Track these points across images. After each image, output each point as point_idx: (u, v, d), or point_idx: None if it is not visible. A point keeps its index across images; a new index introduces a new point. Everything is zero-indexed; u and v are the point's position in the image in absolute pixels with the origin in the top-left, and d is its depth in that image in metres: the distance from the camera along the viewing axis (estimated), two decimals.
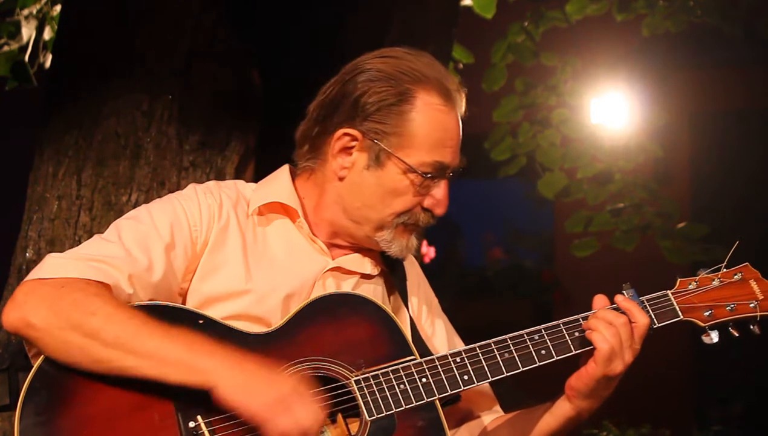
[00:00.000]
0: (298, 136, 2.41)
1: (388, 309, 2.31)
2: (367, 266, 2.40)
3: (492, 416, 2.48)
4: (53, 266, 2.14)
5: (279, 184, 2.40)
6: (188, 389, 2.05)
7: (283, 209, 2.38)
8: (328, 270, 2.34)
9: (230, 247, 2.29)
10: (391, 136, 2.27)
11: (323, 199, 2.37)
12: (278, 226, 2.37)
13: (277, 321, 2.24)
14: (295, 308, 2.26)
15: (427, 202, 2.31)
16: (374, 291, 2.41)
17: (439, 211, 2.32)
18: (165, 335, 2.05)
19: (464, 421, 2.47)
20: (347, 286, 2.36)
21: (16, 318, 2.08)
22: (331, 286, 2.34)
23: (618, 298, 2.30)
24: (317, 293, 2.31)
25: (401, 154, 2.27)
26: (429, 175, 2.28)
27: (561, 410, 2.30)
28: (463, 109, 2.35)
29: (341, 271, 2.37)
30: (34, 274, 2.14)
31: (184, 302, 2.27)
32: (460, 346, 2.48)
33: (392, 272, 2.46)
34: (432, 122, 2.28)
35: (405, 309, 2.43)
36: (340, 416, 2.16)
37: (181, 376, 2.02)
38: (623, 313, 2.27)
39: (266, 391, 2.02)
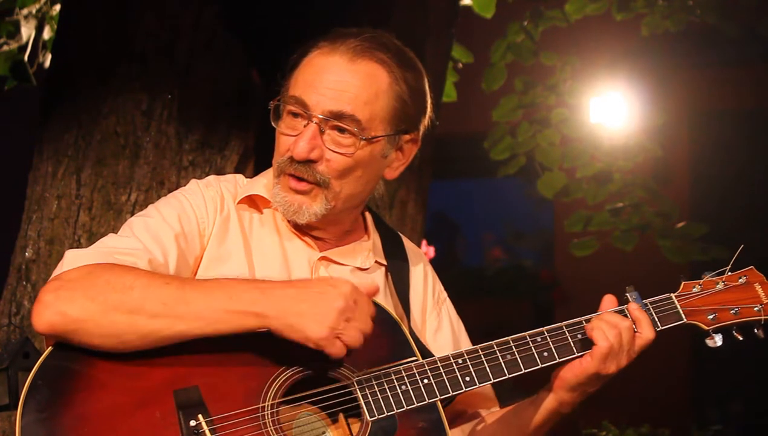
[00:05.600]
0: None
1: (390, 309, 2.31)
2: (357, 259, 2.41)
3: (486, 412, 2.48)
4: (73, 258, 2.13)
5: (266, 178, 2.42)
6: (188, 387, 2.05)
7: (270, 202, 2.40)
8: (317, 260, 2.36)
9: (232, 238, 2.32)
10: (286, 88, 2.32)
11: None
12: (270, 218, 2.39)
13: None
14: None
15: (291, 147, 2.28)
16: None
17: (292, 152, 2.26)
18: (205, 291, 2.06)
19: (458, 418, 2.47)
20: (340, 276, 2.36)
21: (51, 315, 2.02)
22: (324, 276, 2.34)
23: (632, 306, 2.29)
24: None
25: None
26: (290, 111, 2.27)
27: (543, 401, 2.31)
28: (355, 56, 2.26)
29: (331, 261, 2.38)
30: (55, 272, 2.12)
31: None
32: (467, 344, 2.49)
33: (392, 265, 2.46)
34: (308, 64, 2.29)
35: (401, 304, 2.43)
36: (341, 417, 2.16)
37: (234, 326, 2.05)
38: (627, 317, 2.27)
39: (316, 322, 2.03)
